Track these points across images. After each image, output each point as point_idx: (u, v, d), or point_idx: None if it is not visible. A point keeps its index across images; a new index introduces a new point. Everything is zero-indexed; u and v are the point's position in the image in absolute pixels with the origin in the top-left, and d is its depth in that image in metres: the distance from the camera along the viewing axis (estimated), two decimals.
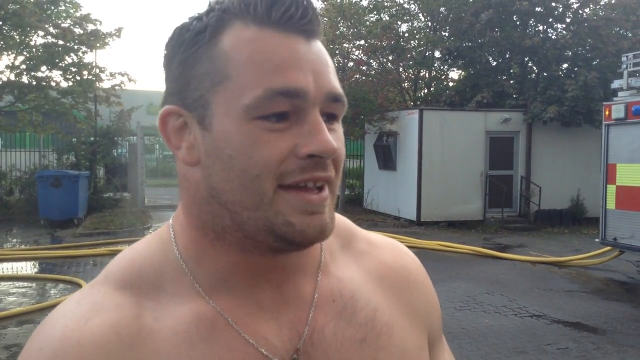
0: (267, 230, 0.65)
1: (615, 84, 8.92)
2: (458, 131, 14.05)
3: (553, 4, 15.88)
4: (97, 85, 15.14)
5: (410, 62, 18.36)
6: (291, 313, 0.71)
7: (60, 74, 14.73)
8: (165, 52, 0.70)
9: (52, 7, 15.49)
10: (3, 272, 8.91)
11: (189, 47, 0.67)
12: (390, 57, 17.88)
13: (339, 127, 0.69)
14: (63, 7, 16.06)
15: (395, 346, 0.74)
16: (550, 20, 16.39)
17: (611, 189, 8.53)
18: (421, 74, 19.29)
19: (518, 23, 16.55)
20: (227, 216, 0.66)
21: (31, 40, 14.84)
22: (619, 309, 7.11)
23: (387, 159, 15.37)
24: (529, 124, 14.56)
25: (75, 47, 14.51)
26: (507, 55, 17.34)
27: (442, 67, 19.41)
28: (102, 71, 15.23)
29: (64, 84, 15.02)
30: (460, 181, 14.01)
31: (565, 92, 14.00)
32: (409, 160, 14.31)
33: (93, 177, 15.95)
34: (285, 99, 0.63)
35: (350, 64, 17.19)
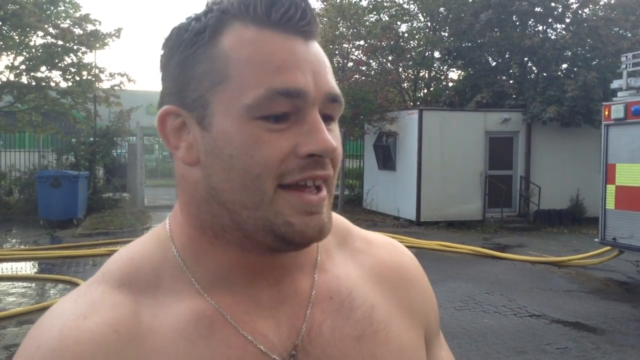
0: (267, 230, 0.66)
1: (615, 84, 8.93)
2: (458, 131, 14.05)
3: (552, 4, 15.89)
4: (97, 85, 15.14)
5: (410, 63, 18.36)
6: (289, 310, 0.72)
7: (60, 75, 14.73)
8: (163, 52, 0.71)
9: (52, 8, 15.50)
10: (3, 272, 8.90)
11: (187, 47, 0.67)
12: (389, 58, 17.88)
13: (335, 127, 0.70)
14: (62, 8, 16.07)
15: (392, 343, 0.75)
16: (550, 20, 16.40)
17: (610, 189, 8.53)
18: (421, 74, 19.30)
19: (517, 23, 16.56)
20: (226, 215, 0.67)
21: (31, 40, 14.85)
22: (619, 308, 7.11)
23: (386, 159, 15.37)
24: (529, 124, 14.56)
25: (75, 47, 14.51)
26: (507, 56, 17.35)
27: (441, 68, 19.42)
28: (101, 71, 15.24)
29: (63, 85, 15.03)
30: (460, 181, 14.01)
31: (565, 92, 14.01)
32: (408, 161, 14.31)
33: (92, 177, 15.95)
34: (285, 99, 0.63)
35: (350, 64, 17.18)
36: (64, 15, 16.11)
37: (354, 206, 16.92)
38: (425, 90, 19.45)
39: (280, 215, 0.65)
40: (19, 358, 0.64)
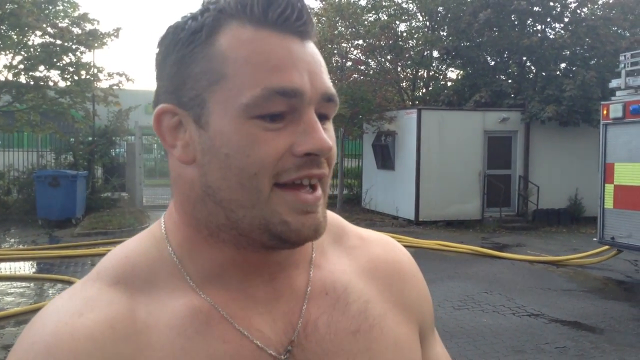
0: (263, 229, 0.66)
1: (613, 83, 8.93)
2: (456, 131, 14.06)
3: (551, 4, 15.90)
4: (95, 85, 15.13)
5: (409, 62, 18.37)
6: (285, 306, 0.72)
7: (58, 74, 14.73)
8: (158, 50, 0.71)
9: (50, 7, 15.49)
10: (1, 272, 8.89)
11: (184, 46, 0.67)
12: (388, 57, 17.89)
13: (330, 126, 0.71)
14: (61, 7, 16.05)
15: (387, 337, 0.76)
16: (549, 19, 16.41)
17: (609, 188, 8.54)
18: (419, 74, 19.30)
19: (516, 23, 16.57)
20: (222, 214, 0.67)
21: (29, 40, 14.83)
22: (617, 308, 7.12)
23: (385, 158, 15.37)
24: (527, 124, 14.57)
25: (73, 47, 14.51)
26: (505, 55, 17.36)
27: (440, 67, 19.43)
28: (100, 71, 15.23)
29: (62, 84, 15.01)
30: (459, 181, 14.02)
31: (563, 91, 14.02)
32: (407, 160, 14.32)
33: (91, 177, 15.94)
34: (282, 99, 0.64)
35: (349, 63, 17.19)
36: (62, 14, 16.08)
37: (352, 205, 16.92)
38: (424, 90, 19.45)
39: (277, 214, 0.65)
40: (15, 355, 0.64)
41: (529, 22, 16.69)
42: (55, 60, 14.32)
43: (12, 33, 14.51)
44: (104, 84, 15.31)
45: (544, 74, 16.04)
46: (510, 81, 16.56)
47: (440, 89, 18.46)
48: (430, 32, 18.58)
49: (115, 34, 14.90)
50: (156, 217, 0.76)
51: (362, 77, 16.75)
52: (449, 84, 18.92)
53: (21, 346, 0.64)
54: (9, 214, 14.57)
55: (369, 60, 17.88)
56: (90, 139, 16.38)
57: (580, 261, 9.59)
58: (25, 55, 14.69)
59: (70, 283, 7.82)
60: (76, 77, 14.70)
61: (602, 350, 5.60)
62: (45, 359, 0.61)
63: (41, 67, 14.39)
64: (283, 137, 0.65)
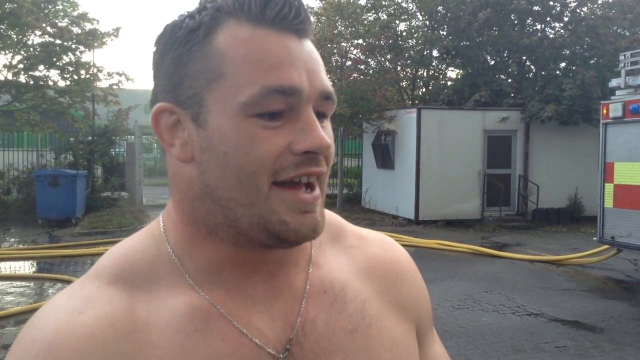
0: (261, 228, 0.66)
1: (613, 82, 8.92)
2: (456, 130, 14.06)
3: (551, 3, 15.90)
4: (95, 84, 15.13)
5: (408, 61, 18.37)
6: (283, 305, 0.72)
7: (58, 73, 14.73)
8: (156, 49, 0.71)
9: (50, 6, 15.48)
10: (1, 271, 8.90)
11: (182, 44, 0.67)
12: (388, 56, 17.88)
13: (328, 124, 0.71)
14: (60, 6, 16.03)
15: (385, 336, 0.76)
16: (548, 19, 16.41)
17: (609, 187, 8.54)
18: (419, 73, 19.30)
19: (516, 22, 16.57)
20: (220, 212, 0.67)
21: (28, 39, 14.83)
22: (617, 307, 7.12)
23: (385, 157, 15.37)
24: (527, 123, 14.57)
25: (73, 46, 14.50)
26: (505, 54, 17.36)
27: (440, 66, 19.42)
28: (99, 70, 15.22)
29: (61, 83, 15.01)
30: (458, 180, 14.02)
31: (563, 90, 14.02)
32: (407, 159, 14.31)
33: (91, 176, 15.93)
34: (280, 97, 0.64)
35: (348, 63, 17.19)
36: (62, 14, 16.07)
37: (352, 205, 16.93)
38: (424, 89, 19.45)
39: (275, 213, 0.65)
40: (14, 353, 0.63)
41: (528, 21, 16.69)
42: (54, 59, 14.32)
43: (12, 32, 14.50)
44: (103, 83, 15.32)
45: (543, 73, 16.04)
46: (510, 80, 16.55)
47: (440, 88, 18.45)
48: (430, 31, 18.58)
49: (115, 33, 14.90)
50: (156, 216, 0.76)
51: (361, 77, 16.74)
52: (449, 83, 18.92)
53: (21, 345, 0.64)
54: (9, 213, 14.57)
55: (369, 60, 17.88)
56: (90, 138, 16.37)
57: (580, 260, 9.59)
58: (25, 54, 14.69)
59: (70, 282, 7.80)
60: (76, 77, 14.70)
61: (602, 349, 5.61)
62: (46, 357, 0.61)
63: (41, 67, 14.40)
64: (281, 135, 0.65)
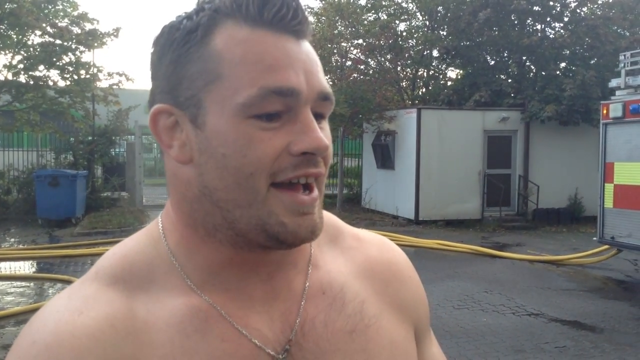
0: (259, 229, 0.66)
1: (613, 82, 8.92)
2: (456, 130, 14.06)
3: (551, 3, 15.90)
4: (95, 84, 15.12)
5: (409, 61, 18.37)
6: (282, 305, 0.73)
7: (58, 74, 14.72)
8: (154, 50, 0.71)
9: (50, 6, 15.47)
10: (1, 271, 8.89)
11: (180, 46, 0.67)
12: (388, 56, 17.88)
13: (326, 125, 0.71)
14: (60, 6, 16.02)
15: (383, 337, 0.76)
16: (548, 19, 16.41)
17: (609, 187, 8.54)
18: (419, 73, 19.30)
19: (516, 22, 16.57)
20: (219, 214, 0.67)
21: (28, 39, 14.82)
22: (617, 307, 7.12)
23: (385, 158, 15.37)
24: (527, 123, 14.57)
25: (73, 46, 14.50)
26: (505, 54, 17.36)
27: (440, 66, 19.42)
28: (99, 70, 15.23)
29: (61, 84, 15.01)
30: (458, 180, 14.02)
31: (563, 91, 14.02)
32: (407, 159, 14.31)
33: (91, 176, 15.93)
34: (278, 98, 0.64)
35: (348, 63, 17.18)
36: (62, 14, 16.06)
37: (352, 205, 16.92)
38: (424, 89, 19.45)
39: (274, 214, 0.66)
40: (14, 354, 0.63)
41: (528, 21, 16.69)
42: (54, 59, 14.32)
43: (12, 32, 14.50)
44: (103, 83, 15.32)
45: (543, 73, 16.04)
46: (510, 81, 16.55)
47: (440, 88, 18.45)
48: (430, 31, 18.58)
49: (115, 33, 14.89)
50: (156, 216, 0.75)
51: (361, 77, 16.73)
52: (449, 83, 18.92)
53: (21, 345, 0.63)
54: (9, 213, 14.57)
55: (369, 60, 17.87)
56: (90, 138, 16.37)
57: (580, 261, 9.59)
58: (25, 54, 14.69)
59: (69, 283, 7.78)
60: (76, 77, 14.70)
61: (601, 349, 5.61)
62: (46, 358, 0.61)
63: (41, 67, 14.39)
64: (280, 137, 0.65)
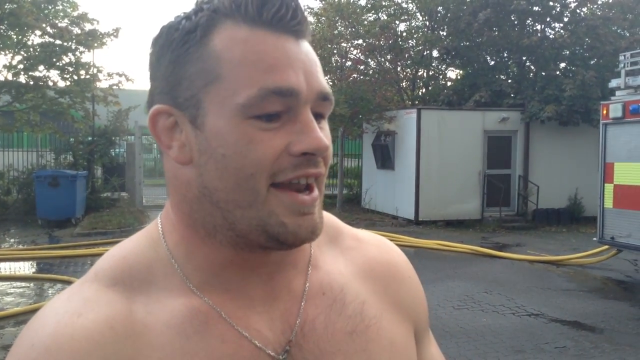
0: (260, 230, 0.66)
1: (613, 83, 8.92)
2: (456, 130, 14.06)
3: (551, 4, 15.90)
4: (95, 85, 15.12)
5: (408, 62, 18.36)
6: (282, 306, 0.72)
7: (58, 74, 14.72)
8: (152, 50, 0.71)
9: (50, 7, 15.47)
10: (1, 272, 8.89)
11: (178, 46, 0.67)
12: (388, 57, 17.88)
13: (326, 125, 0.71)
14: (60, 7, 16.02)
15: (383, 338, 0.76)
16: (548, 19, 16.41)
17: (609, 187, 8.54)
18: (419, 74, 19.29)
19: (516, 22, 16.57)
20: (219, 215, 0.67)
21: (28, 39, 14.82)
22: (617, 307, 7.12)
23: (385, 158, 15.37)
24: (527, 123, 14.57)
25: (73, 46, 14.50)
26: (505, 55, 17.36)
27: (440, 67, 19.42)
28: (99, 71, 15.22)
29: (61, 84, 15.00)
30: (458, 180, 14.02)
31: (563, 91, 14.02)
32: (407, 160, 14.31)
33: (91, 176, 15.93)
34: (278, 98, 0.64)
35: (348, 63, 17.18)
36: (61, 14, 16.06)
37: (352, 205, 16.92)
38: (424, 90, 19.45)
39: (274, 215, 0.65)
40: (14, 356, 0.63)
41: (528, 21, 16.69)
42: (54, 60, 14.32)
43: (12, 33, 14.50)
44: (103, 83, 15.31)
45: (543, 73, 16.04)
46: (510, 81, 16.56)
47: (440, 88, 18.45)
48: (429, 31, 18.58)
49: (115, 34, 14.89)
50: (156, 217, 0.75)
51: (361, 77, 16.74)
52: (449, 83, 18.92)
53: (20, 348, 0.63)
54: (8, 214, 14.56)
55: (369, 60, 17.88)
56: (90, 138, 16.37)
57: (580, 261, 9.59)
58: (25, 55, 14.68)
59: (69, 283, 7.77)
60: (76, 77, 14.69)
61: (601, 349, 5.60)
62: None
63: (41, 67, 14.39)
64: (279, 137, 0.64)
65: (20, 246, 10.93)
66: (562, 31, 16.32)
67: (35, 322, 0.66)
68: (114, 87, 15.22)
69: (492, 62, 17.66)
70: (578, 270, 9.29)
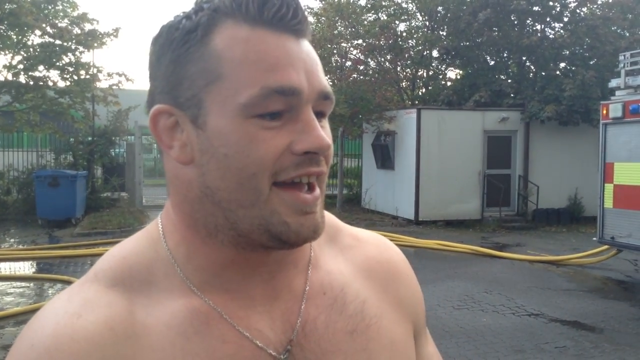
0: (262, 229, 0.66)
1: (613, 83, 8.93)
2: (456, 130, 14.06)
3: (550, 3, 15.90)
4: (95, 85, 15.12)
5: (408, 62, 18.37)
6: (283, 306, 0.72)
7: (58, 74, 14.72)
8: (152, 50, 0.70)
9: (49, 7, 15.47)
10: (1, 272, 8.89)
11: (179, 46, 0.67)
12: (388, 57, 17.88)
13: (326, 124, 0.71)
14: (60, 7, 16.02)
15: (384, 336, 0.76)
16: (548, 19, 16.41)
17: (609, 187, 8.54)
18: (419, 73, 19.29)
19: (516, 22, 16.57)
20: (221, 215, 0.67)
21: (28, 39, 14.82)
22: (617, 307, 7.12)
23: (385, 158, 15.37)
24: (527, 123, 14.57)
25: (73, 46, 14.50)
26: (505, 55, 17.36)
27: (439, 67, 19.42)
28: (99, 71, 15.22)
29: (61, 84, 15.00)
30: (458, 180, 14.02)
31: (563, 91, 14.02)
32: (407, 160, 14.31)
33: (91, 176, 15.93)
34: (280, 97, 0.64)
35: (348, 63, 17.19)
36: (61, 14, 16.06)
37: (352, 205, 16.92)
38: (424, 90, 19.45)
39: (276, 214, 0.65)
40: (13, 357, 0.63)
41: (528, 21, 16.69)
42: (54, 60, 14.31)
43: (12, 33, 14.49)
44: (103, 84, 15.31)
45: (543, 73, 16.05)
46: (509, 81, 16.55)
47: (440, 88, 18.45)
48: (429, 31, 18.58)
49: (115, 33, 14.89)
50: (156, 216, 0.75)
51: (361, 77, 16.74)
52: (449, 83, 18.92)
53: (20, 348, 0.63)
54: (8, 214, 14.57)
55: (369, 60, 17.87)
56: (89, 138, 16.37)
57: (580, 261, 9.59)
58: (25, 55, 14.68)
59: (69, 283, 7.76)
60: (76, 77, 14.69)
61: (601, 349, 5.60)
62: None
63: (40, 67, 14.38)
64: (281, 136, 0.64)
65: (20, 246, 10.93)
66: (562, 31, 16.32)
67: (35, 323, 0.65)
68: (114, 87, 15.22)
69: (492, 62, 17.66)
70: (578, 270, 9.29)
